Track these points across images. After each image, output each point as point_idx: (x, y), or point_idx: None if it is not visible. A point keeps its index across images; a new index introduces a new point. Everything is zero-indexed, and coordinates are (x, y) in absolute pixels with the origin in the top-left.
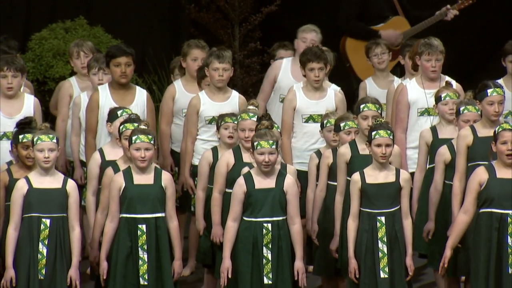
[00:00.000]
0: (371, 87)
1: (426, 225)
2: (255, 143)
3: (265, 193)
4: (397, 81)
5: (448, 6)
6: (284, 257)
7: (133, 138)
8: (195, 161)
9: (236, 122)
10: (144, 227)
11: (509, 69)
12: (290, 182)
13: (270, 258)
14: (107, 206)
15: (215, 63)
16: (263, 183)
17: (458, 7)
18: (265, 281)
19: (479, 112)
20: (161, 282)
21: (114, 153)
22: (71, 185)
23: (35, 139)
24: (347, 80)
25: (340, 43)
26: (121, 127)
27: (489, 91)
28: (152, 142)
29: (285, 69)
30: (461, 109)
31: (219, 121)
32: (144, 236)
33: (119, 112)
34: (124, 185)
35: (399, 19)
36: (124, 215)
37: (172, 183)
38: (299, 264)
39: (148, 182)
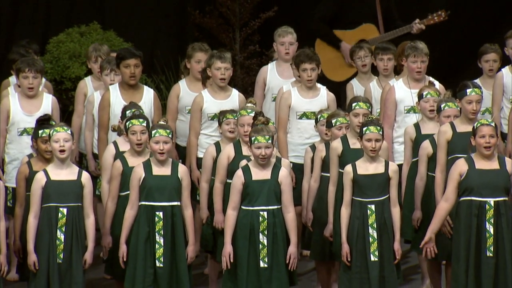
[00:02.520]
0: (357, 87)
1: (414, 214)
2: (253, 138)
3: (261, 184)
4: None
5: (418, 20)
6: (279, 242)
7: (153, 132)
8: (199, 154)
9: (236, 118)
10: (161, 214)
11: (485, 69)
12: (284, 174)
13: (265, 244)
14: (117, 195)
15: (217, 63)
16: (259, 174)
17: (427, 22)
18: (261, 264)
19: (459, 108)
20: (175, 265)
21: (126, 145)
22: (86, 177)
23: (51, 132)
24: (333, 81)
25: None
26: (127, 123)
27: (468, 90)
28: (170, 136)
29: (271, 72)
30: (442, 106)
31: (220, 117)
32: (161, 222)
33: (127, 112)
34: (144, 175)
35: (369, 27)
36: (144, 203)
37: (187, 175)
38: (292, 249)
39: (166, 173)
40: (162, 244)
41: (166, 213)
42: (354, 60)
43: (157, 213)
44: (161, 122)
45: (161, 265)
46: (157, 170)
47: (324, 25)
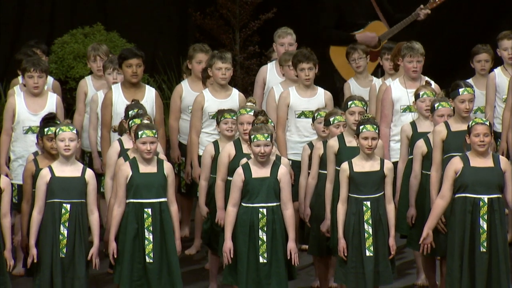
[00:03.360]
0: (354, 87)
1: (408, 211)
2: (252, 136)
3: (261, 182)
4: (376, 80)
5: (422, 6)
6: (278, 238)
7: (139, 133)
8: (200, 152)
9: (234, 118)
10: (149, 210)
11: (477, 69)
12: (283, 171)
13: (265, 240)
14: None
15: (218, 63)
16: (259, 172)
17: (430, 5)
18: (261, 260)
19: (452, 108)
20: (166, 260)
21: (131, 143)
22: (89, 174)
23: (57, 130)
24: (329, 82)
25: (326, 51)
26: (130, 122)
27: (460, 90)
28: (156, 136)
29: (271, 72)
30: (436, 105)
31: (218, 116)
32: (150, 218)
33: (130, 112)
34: (130, 173)
35: (377, 24)
36: (132, 200)
37: (172, 171)
38: (291, 245)
39: (152, 171)
40: (152, 240)
41: (155, 209)
42: (350, 62)
43: (145, 209)
44: (145, 121)
45: (151, 260)
46: (143, 168)
47: (331, 30)
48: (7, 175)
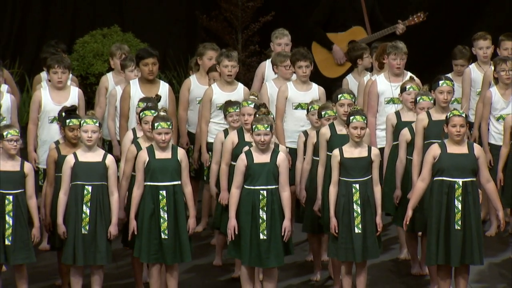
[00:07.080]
0: (351, 82)
1: (395, 193)
2: (253, 126)
3: (262, 167)
4: (369, 76)
5: (399, 21)
6: (276, 217)
7: (155, 124)
8: (209, 139)
9: (237, 110)
10: (164, 192)
11: (455, 70)
12: (282, 157)
13: (265, 218)
14: (130, 176)
15: (225, 61)
16: (260, 158)
17: (408, 22)
18: (261, 236)
19: (432, 101)
20: (178, 236)
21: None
22: (110, 159)
23: (81, 122)
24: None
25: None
26: (141, 114)
27: (440, 82)
28: (170, 127)
29: (269, 68)
30: (418, 99)
31: (224, 110)
32: (164, 200)
33: (140, 103)
34: (148, 159)
35: (358, 29)
36: (148, 183)
37: (185, 157)
38: (286, 223)
39: (167, 156)
40: (166, 218)
41: (169, 191)
42: (363, 59)
43: (160, 192)
44: (162, 113)
45: (166, 237)
46: (159, 154)
47: (319, 29)
48: (35, 160)
